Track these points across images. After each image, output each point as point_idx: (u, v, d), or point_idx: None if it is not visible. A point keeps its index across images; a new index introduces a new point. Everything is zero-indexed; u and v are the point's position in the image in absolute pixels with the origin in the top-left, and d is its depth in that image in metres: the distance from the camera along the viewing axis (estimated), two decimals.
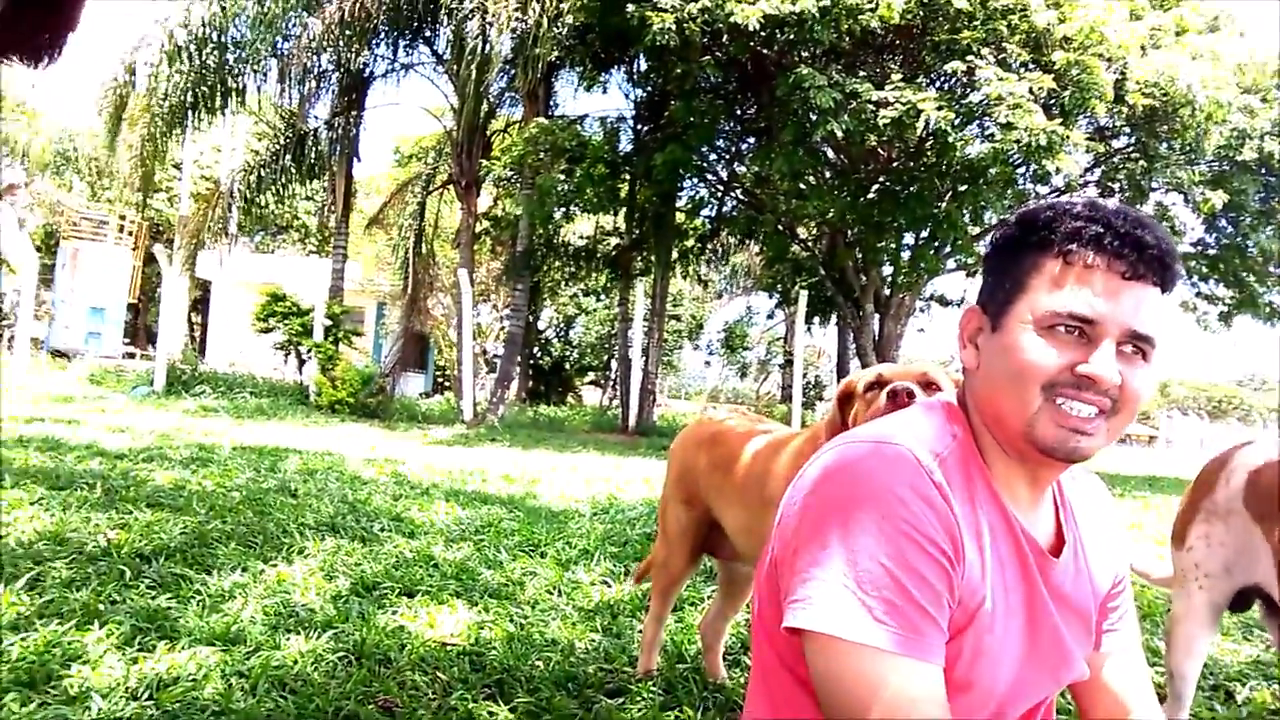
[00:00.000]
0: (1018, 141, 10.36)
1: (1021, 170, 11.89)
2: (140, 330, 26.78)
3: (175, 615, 2.71)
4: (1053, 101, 11.00)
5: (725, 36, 11.77)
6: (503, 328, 20.37)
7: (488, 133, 16.26)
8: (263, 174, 16.68)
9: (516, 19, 12.67)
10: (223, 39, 14.44)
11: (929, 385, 1.76)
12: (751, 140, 14.49)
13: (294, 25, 14.15)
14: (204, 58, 14.42)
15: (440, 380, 23.11)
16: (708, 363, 29.14)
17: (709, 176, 14.99)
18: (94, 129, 19.16)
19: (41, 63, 0.67)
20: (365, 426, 11.48)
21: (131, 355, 22.15)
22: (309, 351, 14.20)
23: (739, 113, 14.08)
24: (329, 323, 14.40)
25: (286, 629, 2.71)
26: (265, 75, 15.12)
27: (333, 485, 5.48)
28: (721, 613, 2.62)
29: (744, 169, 14.97)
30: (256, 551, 3.57)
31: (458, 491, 5.78)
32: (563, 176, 13.52)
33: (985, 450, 1.05)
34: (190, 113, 14.88)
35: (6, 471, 4.62)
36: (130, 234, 23.23)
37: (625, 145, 14.48)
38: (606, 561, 3.93)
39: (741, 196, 15.44)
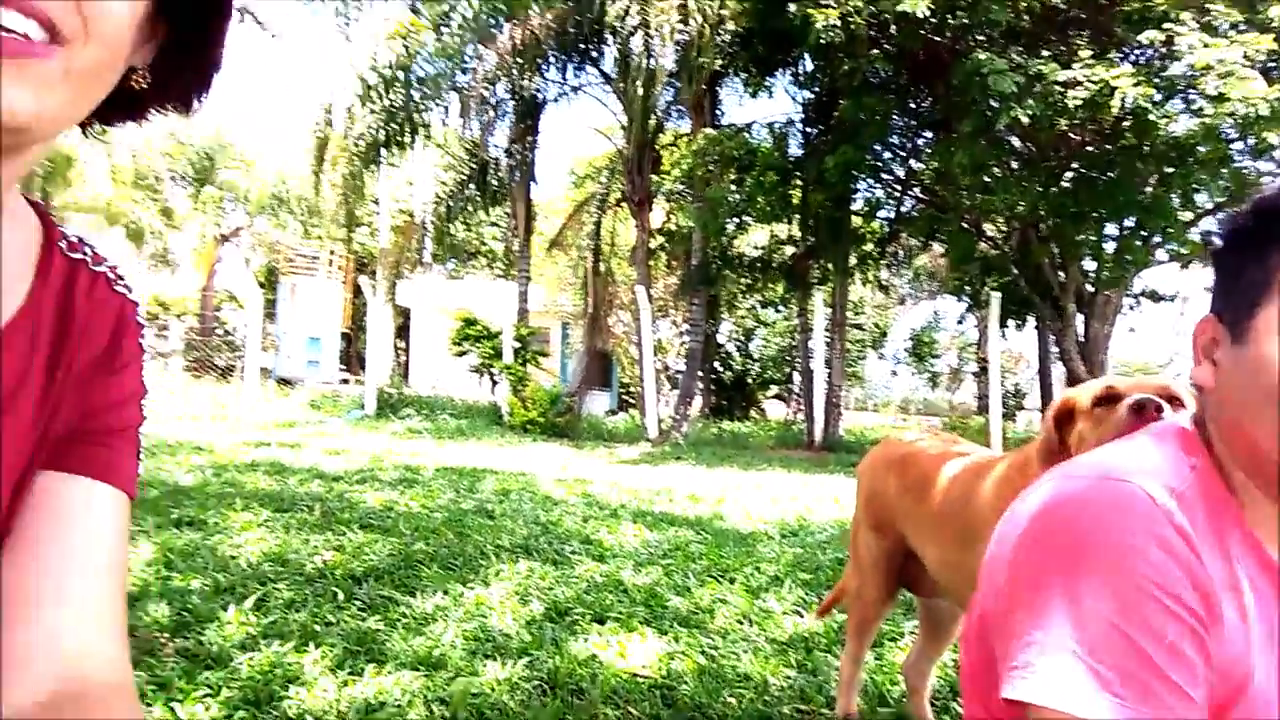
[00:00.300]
0: (1231, 114, 9.26)
1: (1238, 146, 10.63)
2: (353, 357, 29.12)
3: (383, 638, 2.86)
4: (1273, 65, 9.77)
5: (893, 27, 11.29)
6: (683, 343, 20.51)
7: (657, 148, 16.49)
8: (451, 204, 17.74)
9: (679, 30, 12.78)
10: (407, 77, 15.50)
11: (1172, 400, 1.52)
12: (928, 135, 13.83)
13: (470, 59, 14.96)
14: (392, 97, 15.54)
15: (624, 397, 23.62)
16: (894, 372, 27.95)
17: (884, 176, 14.45)
18: (301, 172, 21.06)
19: (192, 109, 0.71)
20: (555, 445, 11.87)
21: (346, 381, 24.10)
22: (500, 373, 14.89)
23: (913, 107, 13.48)
24: (517, 344, 15.05)
25: (484, 654, 2.79)
26: (447, 109, 16.08)
27: (526, 506, 5.67)
28: (925, 653, 2.44)
29: (922, 166, 14.31)
30: (456, 574, 3.73)
31: (645, 512, 5.82)
32: (733, 186, 13.44)
33: (1234, 486, 0.86)
34: (383, 150, 16.07)
35: (238, 494, 5.10)
36: (339, 267, 25.37)
37: (795, 150, 14.23)
38: (798, 589, 3.81)
39: (921, 195, 14.77)
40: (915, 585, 2.32)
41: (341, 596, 3.26)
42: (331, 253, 25.37)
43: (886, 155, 14.08)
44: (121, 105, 0.67)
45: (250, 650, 2.65)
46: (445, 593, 3.41)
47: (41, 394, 0.68)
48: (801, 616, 3.42)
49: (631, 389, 22.03)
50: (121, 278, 0.77)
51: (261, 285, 22.37)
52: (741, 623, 3.34)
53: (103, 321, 0.73)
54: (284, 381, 19.94)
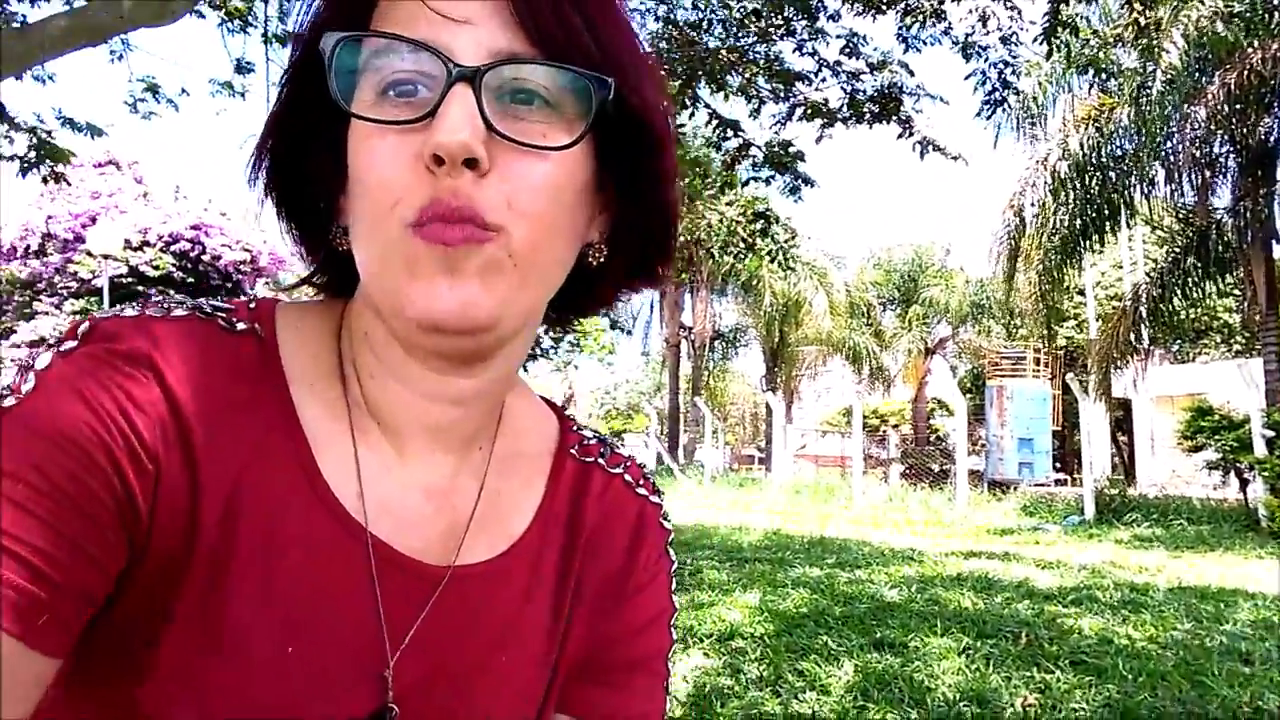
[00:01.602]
0: None
1: None
2: (1067, 456, 27.39)
3: None
4: None
5: None
6: None
7: None
8: (1166, 280, 15.66)
9: None
10: (1101, 159, 14.41)
11: None
12: None
13: (1174, 122, 13.24)
14: (1087, 182, 14.58)
15: None
16: None
17: None
18: (997, 276, 21.06)
19: (657, 276, 0.66)
20: None
21: (1061, 482, 22.67)
22: (1250, 469, 12.24)
23: None
24: (1270, 433, 12.23)
25: None
26: (1152, 181, 14.42)
27: None
28: None
29: None
30: None
31: None
32: None
33: None
34: (1081, 239, 15.09)
35: (940, 614, 5.04)
36: (1045, 365, 24.36)
37: None
38: None
39: None
40: None
41: None
42: (1036, 350, 24.59)
43: None
44: (589, 292, 0.64)
45: None
46: None
47: (550, 621, 0.64)
48: None
49: None
50: (645, 478, 0.72)
51: (968, 390, 22.75)
52: None
53: (617, 531, 0.68)
54: (995, 485, 19.63)
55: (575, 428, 0.72)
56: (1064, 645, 4.32)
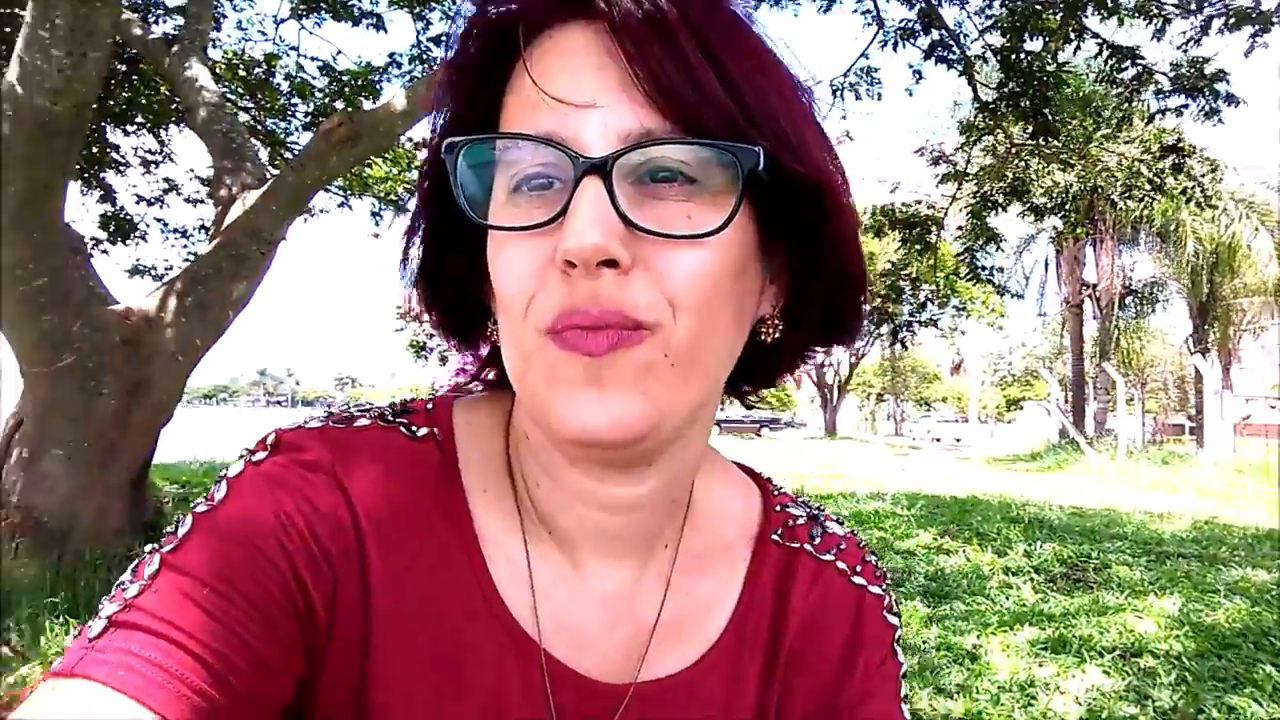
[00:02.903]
0: None
1: None
2: None
3: None
4: None
5: None
6: None
7: None
8: None
9: None
10: None
11: None
12: None
13: None
14: None
15: None
16: None
17: None
18: None
19: (851, 336, 0.58)
20: None
21: None
22: None
23: None
24: None
25: None
26: None
27: None
28: None
29: None
30: None
31: None
32: None
33: None
34: None
35: None
36: None
37: None
38: None
39: None
40: None
41: None
42: None
43: None
44: (768, 366, 0.58)
45: None
46: None
47: None
48: None
49: None
50: (865, 562, 0.63)
51: None
52: None
53: (830, 630, 0.60)
54: None
55: (781, 505, 0.64)
56: None
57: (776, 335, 0.56)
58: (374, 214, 10.02)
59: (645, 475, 0.54)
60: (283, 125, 8.91)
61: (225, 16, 8.49)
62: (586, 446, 0.49)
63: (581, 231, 0.44)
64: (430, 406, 0.60)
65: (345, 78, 8.58)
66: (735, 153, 0.46)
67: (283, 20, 8.53)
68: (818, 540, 0.62)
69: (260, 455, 0.54)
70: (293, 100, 8.77)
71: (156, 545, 0.50)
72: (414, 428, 0.58)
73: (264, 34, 8.81)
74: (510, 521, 0.58)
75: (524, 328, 0.48)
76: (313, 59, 8.85)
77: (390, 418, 0.58)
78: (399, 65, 8.36)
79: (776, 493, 0.65)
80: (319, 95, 8.65)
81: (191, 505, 0.53)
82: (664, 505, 0.57)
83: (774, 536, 0.62)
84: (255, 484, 0.52)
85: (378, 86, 8.48)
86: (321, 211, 10.35)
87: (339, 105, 8.30)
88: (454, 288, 0.58)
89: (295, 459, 0.53)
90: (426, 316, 0.60)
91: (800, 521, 0.63)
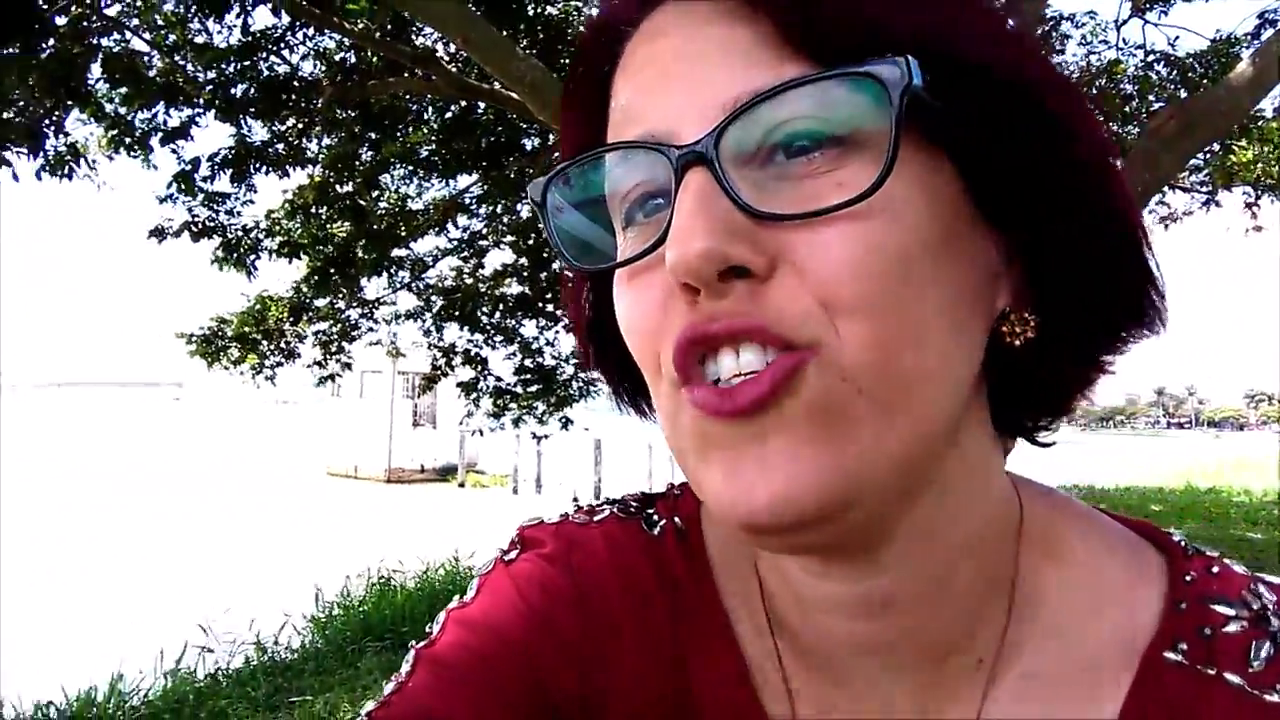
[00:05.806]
0: None
1: None
2: None
3: None
4: None
5: None
6: None
7: None
8: None
9: None
10: None
11: None
12: None
13: None
14: None
15: None
16: None
17: None
18: None
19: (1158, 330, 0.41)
20: None
21: None
22: None
23: None
24: None
25: None
26: None
27: None
28: None
29: None
30: None
31: None
32: None
33: None
34: None
35: None
36: None
37: None
38: None
39: None
40: None
41: None
42: None
43: None
44: (1034, 383, 0.41)
45: None
46: None
47: None
48: None
49: None
50: None
51: None
52: None
53: None
54: None
55: (1202, 596, 0.39)
56: None
57: (1030, 334, 0.39)
58: (1248, 205, 8.38)
59: (880, 560, 0.40)
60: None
61: None
62: (757, 535, 0.37)
63: (683, 237, 0.34)
64: (678, 492, 0.54)
65: (1189, 60, 7.48)
66: (865, 77, 0.34)
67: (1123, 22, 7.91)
68: (1261, 664, 0.36)
69: (511, 555, 0.53)
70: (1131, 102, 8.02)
71: (415, 643, 0.51)
72: (655, 518, 0.53)
73: (1105, 42, 8.28)
74: (760, 624, 0.49)
75: (660, 383, 0.39)
76: (1148, 52, 7.97)
77: (632, 509, 0.54)
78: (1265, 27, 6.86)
79: (1191, 576, 0.40)
80: (1161, 88, 7.71)
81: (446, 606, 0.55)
82: (938, 598, 0.41)
83: (1170, 654, 0.38)
84: (503, 581, 0.52)
85: (1235, 56, 7.14)
86: (1185, 215, 9.29)
87: (1182, 94, 7.26)
88: (621, 346, 0.45)
89: (538, 554, 0.53)
90: (609, 385, 0.54)
91: (1231, 629, 0.38)
